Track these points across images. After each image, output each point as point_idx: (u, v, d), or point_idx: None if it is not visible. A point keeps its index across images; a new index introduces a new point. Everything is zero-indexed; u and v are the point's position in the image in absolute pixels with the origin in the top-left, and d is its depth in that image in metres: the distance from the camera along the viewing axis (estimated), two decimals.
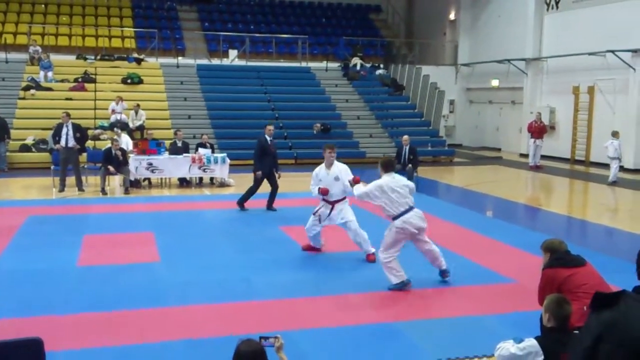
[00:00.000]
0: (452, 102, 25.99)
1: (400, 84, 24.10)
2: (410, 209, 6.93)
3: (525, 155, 20.54)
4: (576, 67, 20.13)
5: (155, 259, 8.07)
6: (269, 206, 11.46)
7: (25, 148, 17.01)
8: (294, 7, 29.45)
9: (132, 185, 13.80)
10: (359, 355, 5.24)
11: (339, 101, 22.30)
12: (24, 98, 19.08)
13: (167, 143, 15.12)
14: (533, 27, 21.91)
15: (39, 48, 21.31)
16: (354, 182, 7.64)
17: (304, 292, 6.80)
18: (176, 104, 20.35)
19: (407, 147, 14.22)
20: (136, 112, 18.24)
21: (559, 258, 4.87)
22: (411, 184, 7.20)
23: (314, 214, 8.41)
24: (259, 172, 11.44)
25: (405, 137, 14.56)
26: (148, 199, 12.97)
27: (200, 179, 14.82)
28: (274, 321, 5.92)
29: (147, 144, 14.34)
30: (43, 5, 25.21)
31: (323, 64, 24.35)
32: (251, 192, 11.43)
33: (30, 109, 18.66)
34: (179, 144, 14.73)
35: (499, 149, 24.22)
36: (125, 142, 15.16)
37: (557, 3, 21.29)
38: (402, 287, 6.86)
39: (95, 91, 18.22)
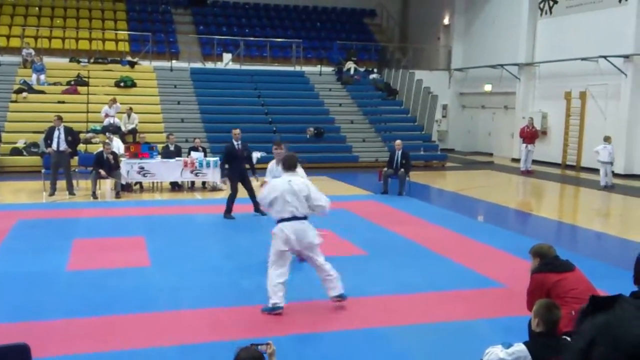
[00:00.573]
0: (445, 107, 26.07)
1: (394, 88, 24.16)
2: (294, 218, 6.16)
3: (517, 160, 20.61)
4: (568, 72, 20.24)
5: (145, 264, 8.04)
6: (257, 209, 11.29)
7: (16, 151, 16.93)
8: (288, 11, 29.48)
9: (124, 189, 13.75)
10: None
11: (332, 105, 22.32)
12: (16, 101, 18.99)
13: (160, 147, 15.08)
14: (526, 32, 22.01)
15: (32, 51, 21.23)
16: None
17: (293, 297, 6.78)
18: (169, 107, 20.31)
19: (400, 152, 14.23)
20: (129, 116, 18.19)
21: (548, 263, 4.90)
22: (316, 197, 6.27)
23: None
24: (225, 178, 11.51)
25: (398, 141, 14.58)
26: (139, 203, 12.93)
27: (192, 183, 14.79)
28: (264, 326, 5.91)
29: (139, 147, 14.30)
30: (37, 8, 25.16)
31: (317, 68, 24.38)
32: (231, 199, 11.29)
33: (22, 112, 18.57)
34: (172, 147, 14.70)
35: (491, 154, 24.28)
36: (117, 145, 15.12)
37: (550, 8, 21.41)
38: (271, 310, 6.13)
39: (88, 94, 18.16)
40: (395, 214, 11.89)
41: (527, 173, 18.83)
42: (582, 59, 19.22)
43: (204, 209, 11.98)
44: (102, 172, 13.17)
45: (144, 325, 5.93)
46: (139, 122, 18.32)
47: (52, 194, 13.18)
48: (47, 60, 21.10)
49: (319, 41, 27.49)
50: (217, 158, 14.67)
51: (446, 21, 27.51)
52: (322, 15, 29.90)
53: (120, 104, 18.75)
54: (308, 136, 20.17)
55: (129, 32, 24.83)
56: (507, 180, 18.10)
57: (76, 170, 14.27)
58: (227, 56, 24.03)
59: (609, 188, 15.79)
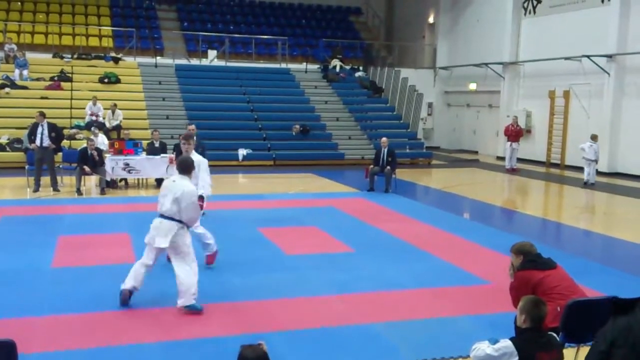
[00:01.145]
0: (430, 105, 26.19)
1: (380, 86, 24.22)
2: (161, 215, 6.21)
3: (502, 158, 20.77)
4: (552, 71, 20.44)
5: (131, 260, 7.92)
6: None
7: None
8: (273, 8, 29.42)
9: (108, 185, 13.65)
10: (336, 357, 5.25)
11: (318, 103, 22.33)
12: None
13: (145, 143, 14.98)
14: (510, 31, 22.18)
15: (14, 46, 20.97)
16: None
17: (280, 294, 6.79)
18: (154, 104, 20.18)
19: (386, 149, 14.28)
20: (113, 112, 18.05)
21: (532, 260, 4.96)
22: (187, 196, 6.11)
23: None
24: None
25: (384, 139, 14.63)
26: (124, 200, 12.84)
27: None
28: (251, 323, 5.91)
29: (123, 144, 14.20)
30: (19, 3, 24.83)
31: (302, 66, 24.36)
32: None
33: (4, 107, 18.34)
34: (156, 144, 14.61)
35: (476, 152, 24.45)
36: (102, 141, 15.00)
37: (534, 8, 21.59)
38: (120, 294, 6.21)
39: (71, 90, 17.99)
40: (382, 212, 11.93)
41: (512, 171, 19.00)
42: (566, 59, 19.41)
43: None
44: (87, 168, 13.06)
45: (128, 321, 5.90)
46: (124, 119, 18.18)
47: (36, 190, 13.05)
48: (30, 55, 20.85)
49: (304, 38, 27.47)
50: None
51: (431, 20, 27.62)
52: (307, 12, 29.86)
53: (104, 100, 18.60)
54: (294, 133, 20.16)
55: (112, 28, 24.61)
56: (493, 178, 18.24)
57: (60, 166, 14.14)
58: (212, 53, 23.93)
59: (589, 185, 16.03)
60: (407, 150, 20.51)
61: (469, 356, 4.09)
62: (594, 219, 12.75)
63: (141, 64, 22.14)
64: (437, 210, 12.43)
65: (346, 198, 13.44)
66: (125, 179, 14.36)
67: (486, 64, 22.90)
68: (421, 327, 5.95)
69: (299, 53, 26.19)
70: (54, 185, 13.26)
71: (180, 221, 6.18)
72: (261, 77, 23.16)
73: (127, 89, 20.68)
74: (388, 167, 14.18)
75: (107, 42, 23.93)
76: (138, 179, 14.48)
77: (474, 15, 24.74)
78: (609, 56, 18.19)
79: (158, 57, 22.91)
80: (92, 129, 15.83)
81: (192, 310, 6.09)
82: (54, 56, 21.69)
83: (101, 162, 13.38)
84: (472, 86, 24.60)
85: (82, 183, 13.26)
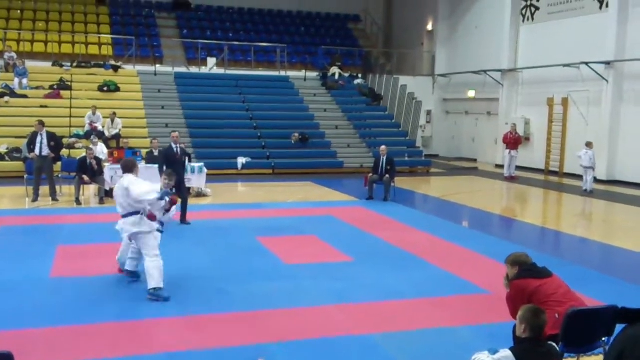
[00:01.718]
0: (429, 113, 26.23)
1: (378, 94, 24.26)
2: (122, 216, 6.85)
3: (501, 166, 20.78)
4: (551, 78, 20.49)
5: None
6: (183, 219, 10.84)
7: None
8: (272, 16, 29.51)
9: (107, 194, 13.61)
10: None
11: (317, 111, 22.35)
12: None
13: (144, 152, 14.98)
14: (509, 38, 22.24)
15: (14, 54, 21.01)
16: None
17: (279, 304, 6.78)
18: (153, 112, 20.20)
19: (385, 158, 14.28)
20: (112, 121, 18.07)
21: (528, 269, 4.98)
22: (132, 192, 6.57)
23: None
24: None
25: (383, 147, 14.64)
26: None
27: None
28: (250, 333, 5.89)
29: (122, 152, 14.20)
30: (19, 11, 24.91)
31: (302, 73, 24.41)
32: (184, 203, 10.90)
33: (4, 116, 18.34)
34: (156, 152, 14.59)
35: (475, 160, 24.47)
36: (101, 150, 15.00)
37: (532, 15, 21.66)
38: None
39: (71, 99, 17.98)
40: (381, 220, 11.93)
41: (511, 179, 19.00)
42: (564, 66, 19.46)
43: (189, 215, 11.87)
44: (86, 177, 13.06)
45: (128, 332, 5.88)
46: (123, 127, 18.19)
47: (35, 199, 13.04)
48: (30, 64, 20.88)
49: (303, 46, 27.53)
50: (202, 164, 14.65)
51: (430, 27, 27.70)
52: (306, 20, 29.96)
53: (104, 108, 18.62)
54: (293, 141, 20.18)
55: (112, 36, 24.67)
56: (491, 186, 18.24)
57: (59, 175, 14.14)
58: (211, 61, 23.99)
59: (588, 193, 16.02)
60: (406, 159, 20.52)
61: None
62: (592, 227, 12.75)
63: (140, 72, 22.18)
64: (436, 218, 12.43)
65: (345, 207, 13.43)
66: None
67: (485, 71, 22.95)
68: (420, 337, 5.94)
69: (298, 61, 26.25)
70: (53, 195, 13.25)
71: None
72: (260, 85, 23.21)
73: (126, 97, 20.71)
74: (387, 176, 14.18)
75: (107, 51, 23.98)
76: None
77: (473, 23, 24.82)
78: (607, 63, 18.24)
79: (157, 65, 22.96)
80: (91, 138, 15.85)
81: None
82: (53, 65, 21.74)
83: (100, 171, 13.38)
84: (471, 93, 24.65)
85: (81, 192, 13.26)
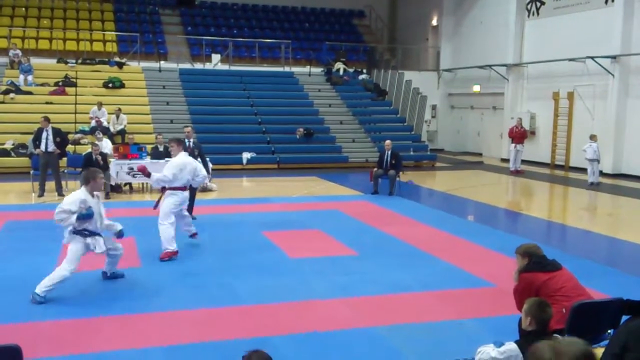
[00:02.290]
0: (434, 107, 26.19)
1: (383, 89, 24.22)
2: None
3: (506, 160, 20.74)
4: (556, 73, 20.41)
5: (136, 264, 8.01)
6: (189, 213, 10.97)
7: (4, 152, 16.80)
8: (277, 11, 29.47)
9: (113, 190, 13.69)
10: None
11: (322, 106, 22.34)
12: (3, 102, 18.83)
13: (149, 147, 15.02)
14: (514, 33, 22.16)
15: (19, 51, 21.07)
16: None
17: (284, 297, 6.79)
18: (158, 108, 20.23)
19: (390, 152, 14.28)
20: (117, 117, 18.11)
21: (536, 262, 4.94)
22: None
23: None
24: None
25: (388, 141, 14.63)
26: (129, 204, 12.86)
27: None
28: (255, 327, 5.91)
29: (128, 148, 14.24)
30: (23, 9, 24.96)
31: (306, 69, 24.39)
32: (191, 198, 11.08)
33: (9, 113, 18.42)
34: (160, 148, 14.64)
35: (480, 154, 24.42)
36: (106, 146, 15.03)
37: (537, 10, 21.57)
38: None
39: (76, 95, 18.05)
40: (386, 214, 11.93)
41: (517, 173, 18.96)
42: (570, 60, 19.39)
43: (195, 209, 11.89)
44: None
45: (133, 325, 5.91)
46: (128, 123, 18.24)
47: (41, 195, 13.09)
48: (35, 61, 20.95)
49: (307, 42, 27.50)
50: (208, 158, 14.64)
51: (434, 22, 27.62)
52: (310, 16, 29.92)
53: (109, 105, 18.67)
54: (298, 137, 20.18)
55: (116, 33, 24.69)
56: (497, 180, 18.20)
57: (65, 171, 14.19)
58: (215, 57, 23.99)
59: (594, 186, 16.04)
60: (411, 153, 20.50)
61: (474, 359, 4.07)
62: (598, 221, 12.70)
63: (145, 69, 22.21)
64: (441, 212, 12.42)
65: (350, 201, 13.43)
66: (130, 183, 14.39)
67: (490, 66, 22.88)
68: (426, 330, 5.93)
69: (302, 56, 26.22)
70: (59, 190, 13.29)
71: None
72: (265, 81, 23.22)
73: (131, 94, 20.74)
74: (392, 170, 14.17)
75: (111, 47, 24.01)
76: (142, 183, 14.51)
77: (478, 18, 24.73)
78: (613, 57, 18.15)
79: (162, 62, 22.99)
80: (96, 133, 15.89)
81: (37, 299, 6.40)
82: (58, 61, 21.78)
83: (106, 167, 13.41)
84: (476, 88, 24.58)
85: None
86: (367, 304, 6.67)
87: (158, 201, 8.73)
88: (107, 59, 22.47)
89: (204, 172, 9.00)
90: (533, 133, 21.32)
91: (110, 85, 20.69)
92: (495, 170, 20.07)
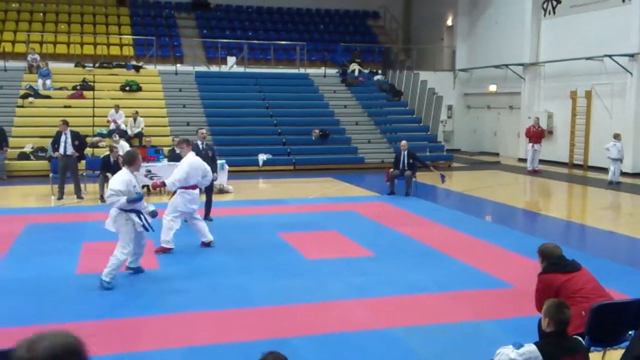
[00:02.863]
0: (450, 108, 26.06)
1: (399, 89, 24.16)
2: None
3: (524, 160, 20.57)
4: (573, 71, 20.20)
5: (154, 266, 8.07)
6: (206, 216, 10.99)
7: (23, 156, 17.02)
8: (291, 13, 29.53)
9: None
10: None
11: (337, 107, 22.34)
12: (22, 106, 19.09)
13: (166, 150, 15.13)
14: (530, 32, 21.98)
15: (37, 56, 21.34)
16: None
17: (301, 299, 6.80)
18: (175, 111, 20.37)
19: (406, 152, 14.23)
20: (135, 120, 18.27)
21: (554, 263, 4.89)
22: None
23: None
24: None
25: (404, 142, 14.58)
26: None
27: None
28: (272, 328, 5.92)
29: (145, 151, 14.35)
30: (41, 14, 25.27)
31: (321, 70, 24.41)
32: (208, 200, 11.13)
33: (28, 117, 18.67)
34: (178, 150, 14.70)
35: (497, 154, 24.25)
36: (124, 148, 15.15)
37: (554, 8, 21.38)
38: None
39: (93, 99, 18.25)
40: (402, 215, 11.89)
41: (534, 173, 18.80)
42: (587, 59, 19.18)
43: (211, 211, 11.97)
44: (110, 175, 13.18)
45: (152, 327, 5.95)
46: (145, 126, 18.38)
47: (60, 197, 13.24)
48: (53, 65, 21.20)
49: (322, 43, 27.52)
50: (224, 161, 14.74)
51: (449, 22, 27.49)
52: (325, 17, 29.93)
53: (126, 108, 18.83)
54: (313, 138, 20.20)
55: (133, 37, 24.91)
56: (514, 180, 18.06)
57: (84, 174, 14.33)
58: (231, 59, 24.09)
59: (614, 185, 15.87)
60: (427, 153, 20.40)
61: None
62: (618, 220, 12.55)
63: (161, 72, 22.38)
64: (458, 213, 12.35)
65: (366, 202, 13.41)
66: (148, 186, 14.48)
67: (506, 65, 22.72)
68: (443, 331, 5.90)
69: (317, 58, 26.24)
70: (78, 193, 13.43)
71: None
72: (280, 83, 23.27)
73: (148, 97, 20.91)
74: (408, 171, 14.12)
75: (128, 51, 24.22)
76: None
77: (493, 17, 24.57)
78: (631, 55, 17.93)
79: (178, 65, 23.14)
80: (113, 136, 16.03)
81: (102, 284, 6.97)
82: (76, 65, 22.02)
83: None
84: (492, 88, 24.42)
85: (105, 190, 13.38)
86: (384, 305, 6.66)
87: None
88: (124, 63, 22.68)
89: (211, 174, 9.40)
90: (550, 132, 21.12)
91: (127, 88, 20.87)
92: (512, 170, 19.92)
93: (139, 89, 21.04)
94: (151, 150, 14.39)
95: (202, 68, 23.70)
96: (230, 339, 5.67)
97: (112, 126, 18.17)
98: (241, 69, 23.79)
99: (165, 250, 8.67)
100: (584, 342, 4.12)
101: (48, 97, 19.72)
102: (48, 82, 20.26)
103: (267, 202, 13.44)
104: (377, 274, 7.80)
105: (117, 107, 18.57)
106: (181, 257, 8.61)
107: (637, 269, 8.18)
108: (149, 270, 7.87)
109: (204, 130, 11.56)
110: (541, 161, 19.62)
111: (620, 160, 16.32)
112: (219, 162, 14.38)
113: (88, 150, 15.57)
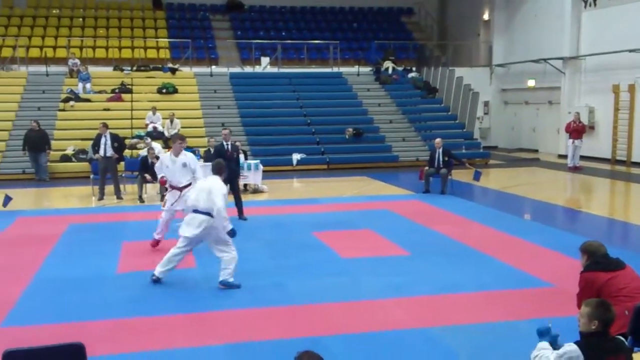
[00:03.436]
0: (486, 104, 25.66)
1: (434, 86, 23.91)
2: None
3: (564, 156, 20.12)
4: (616, 65, 19.65)
5: (191, 265, 8.17)
6: (240, 215, 11.10)
7: (65, 158, 17.44)
8: (324, 12, 29.53)
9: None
10: None
11: (371, 105, 22.24)
12: (63, 110, 19.57)
13: (201, 151, 15.31)
14: (570, 25, 21.48)
15: (77, 61, 21.85)
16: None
17: (336, 297, 6.79)
18: (210, 112, 20.60)
19: (441, 150, 14.07)
20: (171, 121, 18.54)
21: (597, 262, 4.77)
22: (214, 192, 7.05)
23: (163, 206, 9.31)
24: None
25: (438, 139, 14.42)
26: None
27: None
28: (307, 326, 5.93)
29: None
30: (81, 19, 25.88)
31: (355, 69, 24.34)
32: (237, 199, 11.23)
33: (70, 120, 19.13)
34: (212, 151, 14.87)
35: (536, 150, 23.79)
36: (158, 150, 15.40)
37: (594, 0, 20.85)
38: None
39: (131, 101, 18.57)
40: (438, 213, 11.76)
41: (575, 169, 18.37)
42: (630, 51, 18.63)
43: (246, 210, 12.04)
44: (148, 176, 13.43)
45: (190, 324, 6.03)
46: (181, 127, 18.63)
47: (100, 198, 13.53)
48: (92, 69, 21.69)
49: (356, 41, 27.44)
50: (258, 160, 14.84)
51: (486, 16, 27.09)
52: (358, 15, 29.84)
53: (163, 110, 19.13)
54: (347, 137, 20.16)
55: (169, 40, 25.29)
56: (554, 177, 17.68)
57: (123, 175, 14.61)
58: (265, 60, 24.23)
59: None
60: (464, 151, 20.15)
61: None
62: None
63: (197, 74, 22.65)
64: (495, 211, 12.15)
65: (401, 200, 13.31)
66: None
67: (545, 60, 22.26)
68: (481, 331, 5.82)
69: (350, 56, 26.19)
70: (118, 193, 13.71)
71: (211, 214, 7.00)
72: (314, 82, 23.30)
73: (184, 99, 21.20)
74: (444, 168, 13.96)
75: (164, 54, 24.62)
76: None
77: (531, 10, 24.09)
78: None
79: (213, 67, 23.39)
80: (144, 138, 16.33)
81: (228, 286, 7.02)
82: (114, 69, 22.48)
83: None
84: (531, 83, 23.95)
85: (144, 191, 13.66)
86: (420, 304, 6.60)
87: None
88: (160, 66, 23.04)
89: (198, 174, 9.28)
90: (592, 128, 20.60)
91: (164, 90, 21.20)
92: (552, 167, 19.51)
93: (175, 91, 21.35)
94: (187, 151, 14.52)
95: (237, 69, 23.91)
96: (266, 337, 5.70)
97: (150, 128, 18.48)
98: (275, 69, 23.90)
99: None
100: (626, 343, 4.01)
101: (88, 100, 20.17)
102: (88, 85, 20.73)
103: (301, 202, 13.47)
104: (412, 272, 7.74)
105: (154, 109, 18.89)
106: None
107: None
108: (186, 269, 7.97)
109: (226, 131, 11.64)
110: (582, 157, 19.15)
111: None
112: (253, 162, 14.55)
113: (127, 152, 15.87)
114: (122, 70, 22.29)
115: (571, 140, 18.83)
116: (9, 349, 3.56)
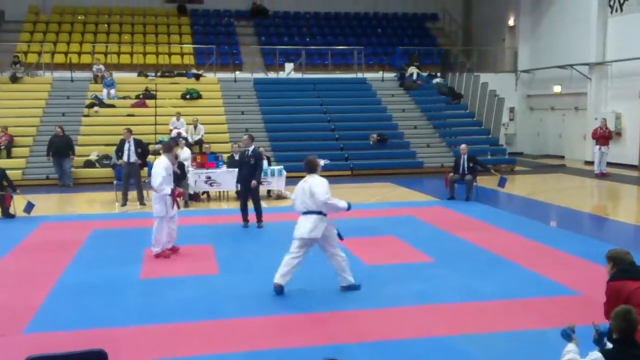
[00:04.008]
0: (512, 110, 25.38)
1: (458, 92, 23.72)
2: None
3: (590, 163, 19.78)
4: None
5: (214, 271, 8.19)
6: (259, 221, 11.14)
7: (89, 164, 17.63)
8: (349, 18, 29.53)
9: (192, 198, 14.06)
10: None
11: (395, 111, 22.14)
12: (88, 115, 19.82)
13: (225, 156, 15.36)
14: (596, 30, 21.16)
15: (102, 66, 22.14)
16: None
17: (361, 304, 6.73)
18: (234, 117, 20.69)
19: (465, 156, 13.93)
20: (195, 127, 18.66)
21: (625, 270, 4.69)
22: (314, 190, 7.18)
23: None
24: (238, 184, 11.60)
25: (463, 146, 14.27)
26: (207, 212, 13.19)
27: None
28: (330, 333, 5.88)
29: (205, 157, 14.62)
30: (106, 25, 26.24)
31: (379, 75, 24.27)
32: (257, 205, 11.23)
33: (94, 125, 19.36)
34: (236, 157, 14.90)
35: (562, 157, 23.44)
36: (184, 156, 15.49)
37: (621, 5, 20.51)
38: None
39: (155, 107, 18.72)
40: (463, 220, 11.62)
41: (602, 176, 18.04)
42: None
43: (270, 217, 12.04)
44: (179, 189, 13.45)
45: (213, 331, 6.01)
46: (205, 133, 18.74)
47: (124, 204, 13.64)
48: (117, 75, 21.95)
49: (380, 47, 27.37)
50: (282, 166, 14.84)
51: (511, 22, 26.82)
52: (383, 21, 29.77)
53: (187, 115, 19.26)
54: (371, 142, 20.08)
55: (193, 46, 25.50)
56: (581, 183, 17.39)
57: (146, 181, 14.69)
58: (289, 66, 24.29)
59: None
60: (489, 157, 19.94)
61: None
62: None
63: (221, 80, 22.79)
64: (521, 218, 11.97)
65: (426, 207, 13.19)
66: (208, 192, 14.75)
67: (571, 66, 21.94)
68: (506, 340, 5.72)
69: (375, 62, 26.12)
70: (141, 199, 13.79)
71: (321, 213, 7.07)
72: (338, 88, 23.27)
73: (208, 104, 21.33)
74: (469, 175, 13.81)
75: (189, 60, 24.82)
76: (219, 192, 14.84)
77: (557, 16, 23.79)
78: None
79: (237, 72, 23.51)
80: (179, 140, 16.27)
81: (352, 289, 7.08)
82: (138, 75, 22.73)
83: (184, 176, 13.79)
84: (557, 89, 23.62)
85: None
86: (445, 312, 6.51)
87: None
88: (184, 71, 23.23)
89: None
90: (619, 134, 20.23)
91: (188, 96, 21.36)
92: (578, 173, 19.19)
93: (199, 97, 21.50)
94: (211, 157, 14.64)
95: (261, 75, 24.00)
96: (289, 345, 5.66)
97: (174, 134, 18.60)
98: (299, 75, 23.94)
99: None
100: None
101: (112, 106, 20.40)
102: (112, 91, 20.98)
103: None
104: (437, 280, 7.64)
105: (178, 115, 19.03)
106: (239, 262, 8.69)
107: None
108: (209, 275, 7.98)
109: (245, 137, 11.65)
110: (609, 164, 18.81)
111: None
112: (276, 168, 14.55)
113: (150, 158, 15.97)
114: (146, 76, 22.53)
115: (598, 147, 18.51)
116: (32, 356, 3.58)
